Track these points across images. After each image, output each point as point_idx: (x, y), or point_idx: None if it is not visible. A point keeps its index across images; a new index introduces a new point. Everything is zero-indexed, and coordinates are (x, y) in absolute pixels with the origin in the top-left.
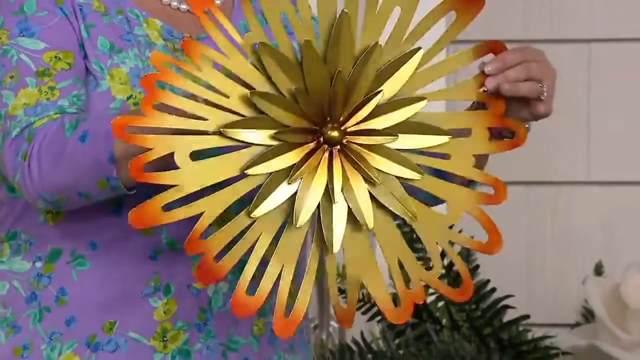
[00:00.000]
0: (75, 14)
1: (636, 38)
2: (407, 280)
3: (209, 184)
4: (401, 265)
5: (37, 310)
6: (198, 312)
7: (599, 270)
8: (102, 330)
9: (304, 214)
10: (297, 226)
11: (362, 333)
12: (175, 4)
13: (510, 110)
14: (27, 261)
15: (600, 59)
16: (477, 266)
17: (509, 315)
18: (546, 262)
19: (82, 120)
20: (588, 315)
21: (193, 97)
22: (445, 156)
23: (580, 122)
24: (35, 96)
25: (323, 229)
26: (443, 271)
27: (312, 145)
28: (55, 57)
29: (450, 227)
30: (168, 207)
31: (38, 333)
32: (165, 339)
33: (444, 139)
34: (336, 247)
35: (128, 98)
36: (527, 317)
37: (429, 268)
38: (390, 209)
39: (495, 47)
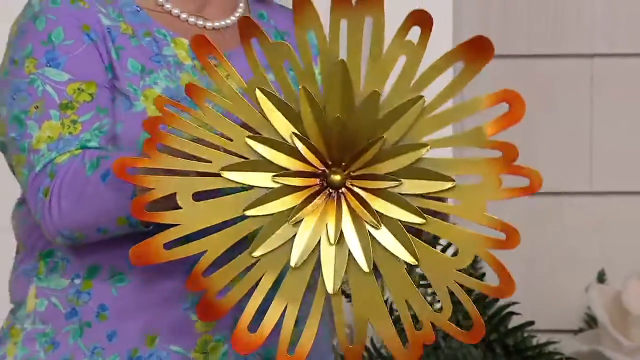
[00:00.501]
0: (104, 38)
1: (637, 53)
2: (415, 321)
3: (210, 225)
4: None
5: (78, 326)
6: (234, 323)
7: (601, 278)
8: (144, 343)
9: (301, 255)
10: (293, 265)
11: (372, 339)
12: (200, 22)
13: None
14: (64, 278)
15: (602, 73)
16: (484, 274)
17: (514, 322)
18: (550, 270)
19: (103, 159)
20: (591, 321)
21: (197, 139)
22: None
23: (583, 133)
24: (58, 129)
25: (322, 269)
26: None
27: (315, 188)
28: (79, 89)
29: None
30: (170, 246)
31: (79, 348)
32: (205, 351)
33: (448, 184)
34: (334, 287)
35: None
36: (531, 323)
37: (438, 309)
38: (391, 251)
39: (508, 97)
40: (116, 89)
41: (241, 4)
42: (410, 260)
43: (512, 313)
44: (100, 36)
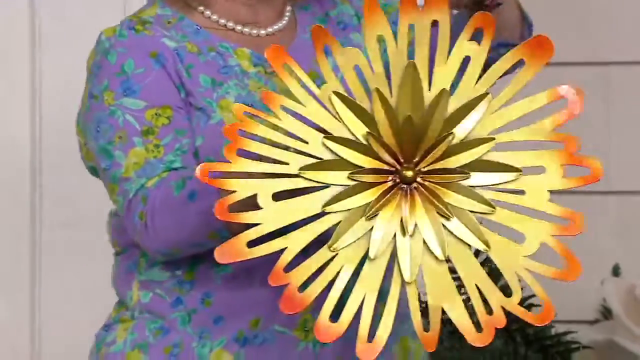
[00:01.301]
0: (172, 60)
1: None
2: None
3: (290, 223)
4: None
5: (185, 312)
6: None
7: (616, 272)
8: (249, 326)
9: (379, 246)
10: (372, 257)
11: None
12: (255, 31)
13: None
14: (165, 271)
15: (619, 78)
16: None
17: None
18: None
19: (188, 179)
20: (606, 313)
21: (274, 143)
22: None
23: (602, 133)
24: (143, 155)
25: (399, 260)
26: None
27: (388, 184)
28: (156, 114)
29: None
30: (252, 244)
31: (187, 333)
32: (306, 329)
33: (514, 175)
34: (410, 276)
35: None
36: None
37: (508, 294)
38: (464, 240)
39: (567, 93)
40: (192, 106)
41: (288, 7)
42: (482, 247)
43: (532, 305)
44: (168, 59)
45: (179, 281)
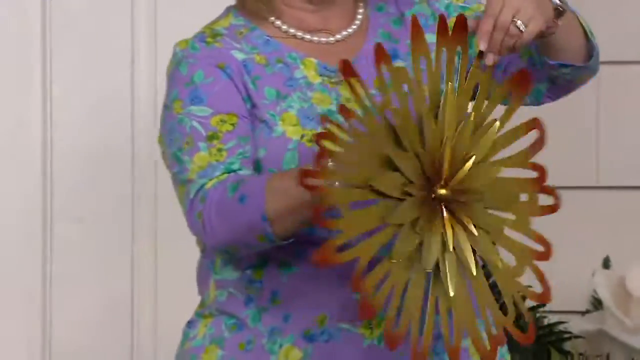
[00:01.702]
0: (239, 72)
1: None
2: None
3: (365, 231)
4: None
5: (256, 310)
6: None
7: (606, 264)
8: (316, 323)
9: (431, 259)
10: (429, 269)
11: None
12: (324, 39)
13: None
14: (237, 270)
15: (609, 78)
16: None
17: (527, 304)
18: (559, 257)
19: (242, 183)
20: (597, 304)
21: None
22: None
23: (592, 130)
24: (206, 159)
25: (441, 276)
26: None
27: (426, 198)
28: (221, 120)
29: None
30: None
31: (259, 330)
32: (370, 326)
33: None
34: (452, 291)
35: (301, 137)
36: (543, 305)
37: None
38: (485, 258)
39: (536, 125)
40: (257, 117)
41: (360, 10)
42: (498, 266)
43: (526, 296)
44: (235, 71)
45: (249, 280)
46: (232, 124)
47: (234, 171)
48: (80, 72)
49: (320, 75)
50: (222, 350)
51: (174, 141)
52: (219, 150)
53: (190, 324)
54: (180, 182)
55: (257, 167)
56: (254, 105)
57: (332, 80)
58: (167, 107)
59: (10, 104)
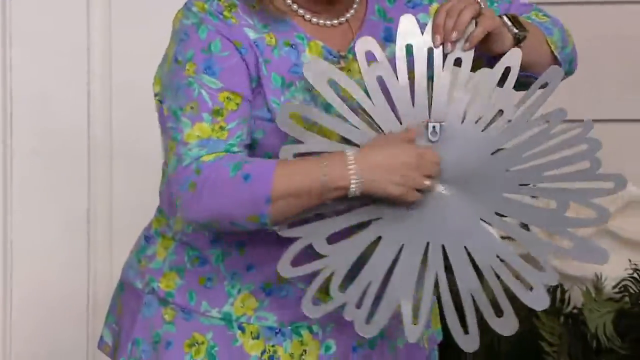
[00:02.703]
0: (253, 52)
1: None
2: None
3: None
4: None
5: (220, 252)
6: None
7: None
8: (276, 279)
9: None
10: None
11: None
12: (329, 22)
13: (486, 48)
14: None
15: None
16: None
17: None
18: None
19: (245, 162)
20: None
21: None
22: None
23: None
24: (207, 132)
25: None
26: None
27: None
28: (228, 97)
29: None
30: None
31: (220, 270)
32: (324, 289)
33: None
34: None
35: (304, 128)
36: None
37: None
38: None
39: None
40: (263, 98)
41: None
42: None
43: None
44: (249, 51)
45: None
46: (237, 104)
47: (233, 154)
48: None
49: (325, 60)
50: (182, 280)
51: (177, 99)
52: (222, 128)
53: (148, 238)
54: (173, 138)
55: (252, 146)
56: (261, 87)
57: (336, 65)
58: (178, 62)
59: None
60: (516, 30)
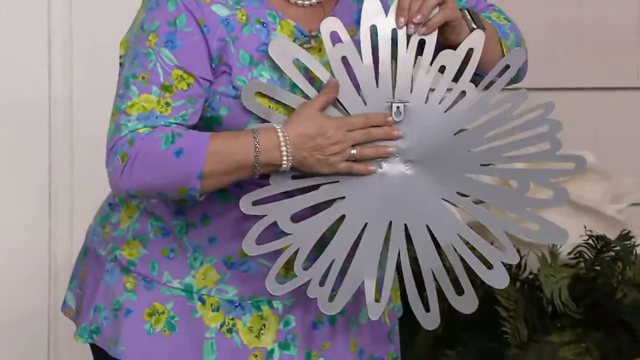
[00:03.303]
0: (219, 30)
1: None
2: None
3: None
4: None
5: (184, 223)
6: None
7: None
8: (239, 254)
9: None
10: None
11: None
12: (307, 2)
13: (446, 37)
14: None
15: None
16: None
17: None
18: None
19: (178, 136)
20: None
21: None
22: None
23: None
24: (152, 104)
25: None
26: None
27: None
28: (181, 76)
29: None
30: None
31: (183, 242)
32: (288, 266)
33: None
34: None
35: (269, 107)
36: None
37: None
38: None
39: None
40: (228, 76)
41: None
42: None
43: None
44: (211, 30)
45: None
46: (188, 84)
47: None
48: None
49: (296, 39)
50: (145, 249)
51: (133, 66)
52: (167, 104)
53: (112, 205)
54: (117, 106)
55: (217, 123)
56: (227, 65)
57: (305, 47)
58: (143, 29)
59: None
60: (474, 26)
